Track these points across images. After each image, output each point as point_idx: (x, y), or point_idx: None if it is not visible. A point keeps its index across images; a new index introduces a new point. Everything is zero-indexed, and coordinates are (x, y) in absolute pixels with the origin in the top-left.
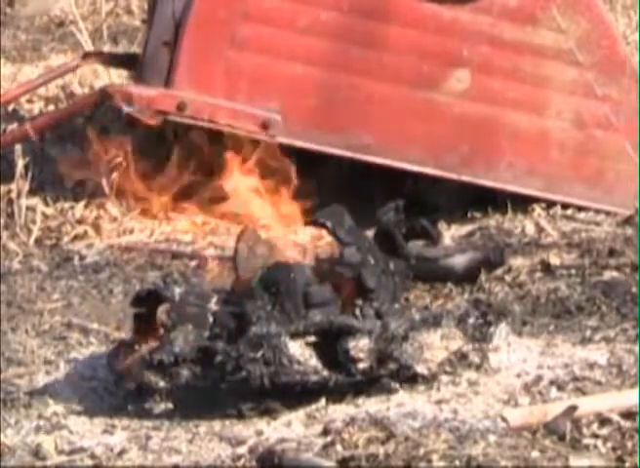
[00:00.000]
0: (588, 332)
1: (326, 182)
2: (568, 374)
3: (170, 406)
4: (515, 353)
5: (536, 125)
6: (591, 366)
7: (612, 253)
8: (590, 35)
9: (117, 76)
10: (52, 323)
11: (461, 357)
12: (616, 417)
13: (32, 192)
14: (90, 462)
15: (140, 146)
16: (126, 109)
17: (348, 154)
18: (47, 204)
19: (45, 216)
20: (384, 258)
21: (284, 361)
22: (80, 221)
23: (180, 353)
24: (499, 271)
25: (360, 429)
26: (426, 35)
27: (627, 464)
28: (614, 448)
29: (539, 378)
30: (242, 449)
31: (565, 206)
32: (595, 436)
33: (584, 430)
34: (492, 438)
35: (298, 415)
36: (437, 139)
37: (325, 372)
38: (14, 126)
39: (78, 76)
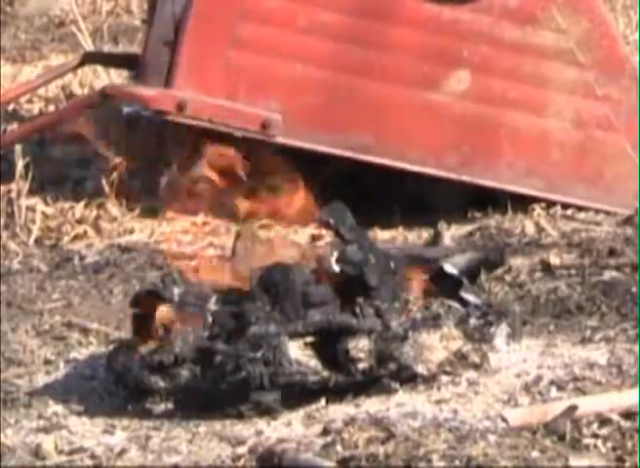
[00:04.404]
0: (588, 332)
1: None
2: (568, 374)
3: (170, 406)
4: (515, 353)
5: (536, 125)
6: (591, 366)
7: (612, 253)
8: (590, 35)
9: (117, 76)
10: (52, 323)
11: (461, 357)
12: (616, 417)
13: (32, 192)
14: (90, 462)
15: (141, 146)
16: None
17: (348, 154)
18: (47, 204)
19: (45, 216)
20: (385, 257)
21: (283, 361)
22: (80, 221)
23: (180, 353)
24: (499, 271)
25: (360, 429)
26: (426, 35)
27: (627, 464)
28: (614, 448)
29: (539, 378)
30: (242, 449)
31: (565, 206)
32: (595, 436)
33: (584, 430)
34: (492, 438)
35: (298, 415)
36: (437, 139)
37: (325, 372)
38: (14, 126)
39: (78, 76)
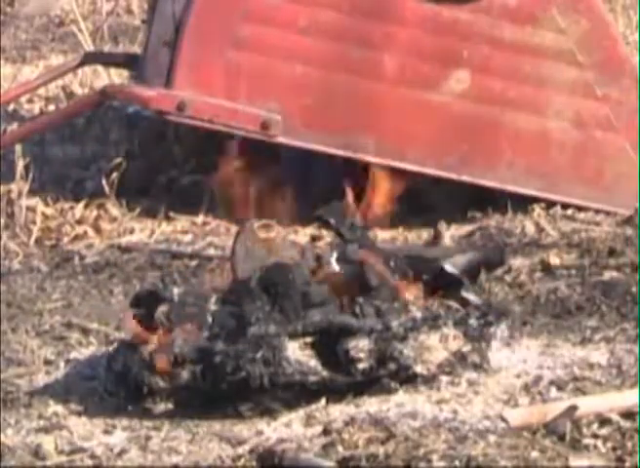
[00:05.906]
0: (588, 332)
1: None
2: (568, 374)
3: (170, 406)
4: (515, 353)
5: (536, 125)
6: (591, 366)
7: (612, 253)
8: (590, 35)
9: (117, 76)
10: (52, 323)
11: (461, 357)
12: (616, 417)
13: (32, 192)
14: (90, 462)
15: (141, 146)
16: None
17: (348, 154)
18: (47, 204)
19: (45, 216)
20: (386, 256)
21: (283, 361)
22: (80, 221)
23: (180, 353)
24: (499, 271)
25: (360, 429)
26: (426, 35)
27: (627, 464)
28: (614, 448)
29: (539, 378)
30: (242, 449)
31: (565, 206)
32: (595, 436)
33: (584, 430)
34: (492, 438)
35: (298, 415)
36: (437, 139)
37: (325, 372)
38: (14, 126)
39: (78, 76)
